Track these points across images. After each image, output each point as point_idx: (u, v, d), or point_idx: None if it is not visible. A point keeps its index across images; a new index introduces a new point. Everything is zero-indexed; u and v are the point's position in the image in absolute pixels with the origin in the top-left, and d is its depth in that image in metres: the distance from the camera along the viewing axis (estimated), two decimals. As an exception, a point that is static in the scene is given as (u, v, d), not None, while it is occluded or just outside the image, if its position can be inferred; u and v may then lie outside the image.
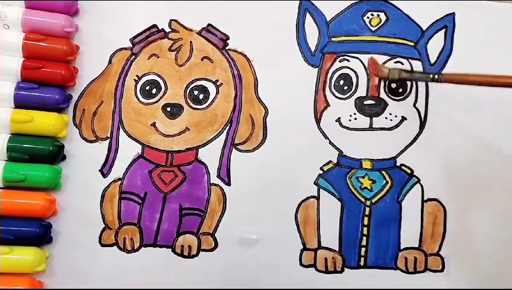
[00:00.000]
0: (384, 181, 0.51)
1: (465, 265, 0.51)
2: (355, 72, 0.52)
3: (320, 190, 0.51)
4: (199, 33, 0.52)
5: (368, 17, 0.52)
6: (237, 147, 0.51)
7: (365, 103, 0.51)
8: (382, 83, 0.51)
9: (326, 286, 0.50)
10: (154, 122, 0.51)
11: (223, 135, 0.51)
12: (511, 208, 0.51)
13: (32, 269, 0.47)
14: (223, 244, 0.50)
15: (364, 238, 0.50)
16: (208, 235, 0.50)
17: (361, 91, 0.52)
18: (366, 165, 0.51)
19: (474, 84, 0.44)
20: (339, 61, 0.52)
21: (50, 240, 0.49)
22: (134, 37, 0.52)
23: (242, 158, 0.51)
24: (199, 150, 0.51)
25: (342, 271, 0.50)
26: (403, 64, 0.52)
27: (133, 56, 0.51)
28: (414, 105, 0.52)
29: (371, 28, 0.52)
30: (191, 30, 0.52)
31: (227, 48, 0.52)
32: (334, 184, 0.51)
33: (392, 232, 0.50)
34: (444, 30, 0.52)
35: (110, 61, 0.51)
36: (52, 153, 0.48)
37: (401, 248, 0.50)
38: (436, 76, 0.47)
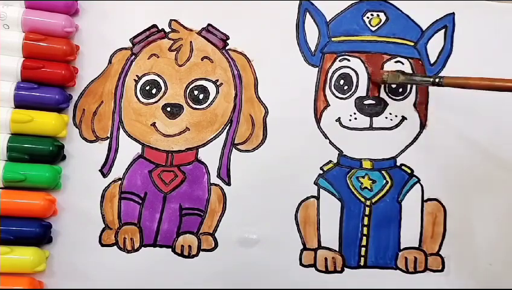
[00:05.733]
0: (384, 181, 0.51)
1: (465, 265, 0.51)
2: (355, 71, 0.52)
3: (320, 189, 0.51)
4: (199, 33, 0.52)
5: (367, 17, 0.52)
6: (237, 147, 0.51)
7: (365, 102, 0.51)
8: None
9: (326, 286, 0.50)
10: (154, 122, 0.51)
11: (223, 135, 0.51)
12: (511, 208, 0.51)
13: (32, 269, 0.47)
14: (223, 244, 0.50)
15: (365, 238, 0.50)
16: (208, 235, 0.50)
17: (362, 91, 0.52)
18: (366, 165, 0.51)
19: (474, 88, 0.44)
20: (339, 60, 0.52)
21: (50, 240, 0.48)
22: (134, 37, 0.52)
23: (242, 158, 0.51)
24: (199, 150, 0.51)
25: (342, 271, 0.50)
26: (403, 64, 0.52)
27: (133, 56, 0.51)
28: (414, 105, 0.52)
29: (371, 28, 0.52)
30: (191, 30, 0.52)
31: (227, 48, 0.52)
32: (334, 184, 0.51)
33: (392, 232, 0.50)
34: (443, 30, 0.52)
35: (110, 61, 0.51)
36: (52, 153, 0.48)
37: (401, 247, 0.50)
38: (437, 80, 0.46)
